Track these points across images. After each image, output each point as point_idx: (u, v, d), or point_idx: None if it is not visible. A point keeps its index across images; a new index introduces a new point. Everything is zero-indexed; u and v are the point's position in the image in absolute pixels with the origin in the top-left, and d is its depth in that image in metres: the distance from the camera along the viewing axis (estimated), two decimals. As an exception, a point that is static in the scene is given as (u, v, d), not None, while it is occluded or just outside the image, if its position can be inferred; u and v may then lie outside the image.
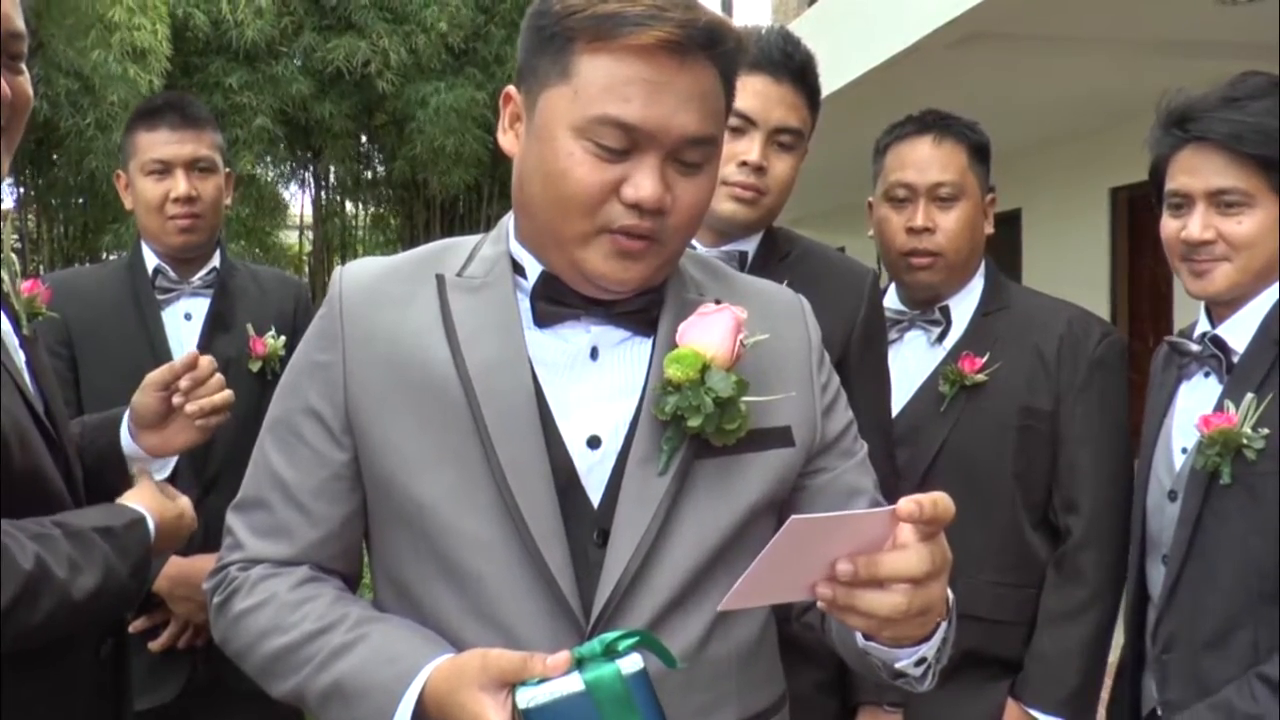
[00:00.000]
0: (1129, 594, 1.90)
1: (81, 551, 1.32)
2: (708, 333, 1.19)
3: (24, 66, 1.36)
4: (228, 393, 1.76)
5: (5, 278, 1.51)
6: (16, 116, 1.35)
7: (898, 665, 1.13)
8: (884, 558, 0.98)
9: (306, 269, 11.80)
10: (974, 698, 2.03)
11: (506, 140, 1.25)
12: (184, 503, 1.60)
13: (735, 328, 1.19)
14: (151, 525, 1.47)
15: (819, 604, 1.02)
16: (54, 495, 1.38)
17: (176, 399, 1.71)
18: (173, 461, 1.81)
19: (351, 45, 9.19)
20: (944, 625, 1.12)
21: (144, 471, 1.63)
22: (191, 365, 1.73)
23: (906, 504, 0.97)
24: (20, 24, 1.33)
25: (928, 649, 1.11)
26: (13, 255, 1.55)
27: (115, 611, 1.44)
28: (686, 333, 1.20)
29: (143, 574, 1.42)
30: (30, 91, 1.38)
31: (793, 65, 1.83)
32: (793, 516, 0.95)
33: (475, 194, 10.78)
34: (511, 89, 1.24)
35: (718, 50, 1.17)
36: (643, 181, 1.14)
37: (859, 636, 1.14)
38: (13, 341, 1.45)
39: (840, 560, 0.98)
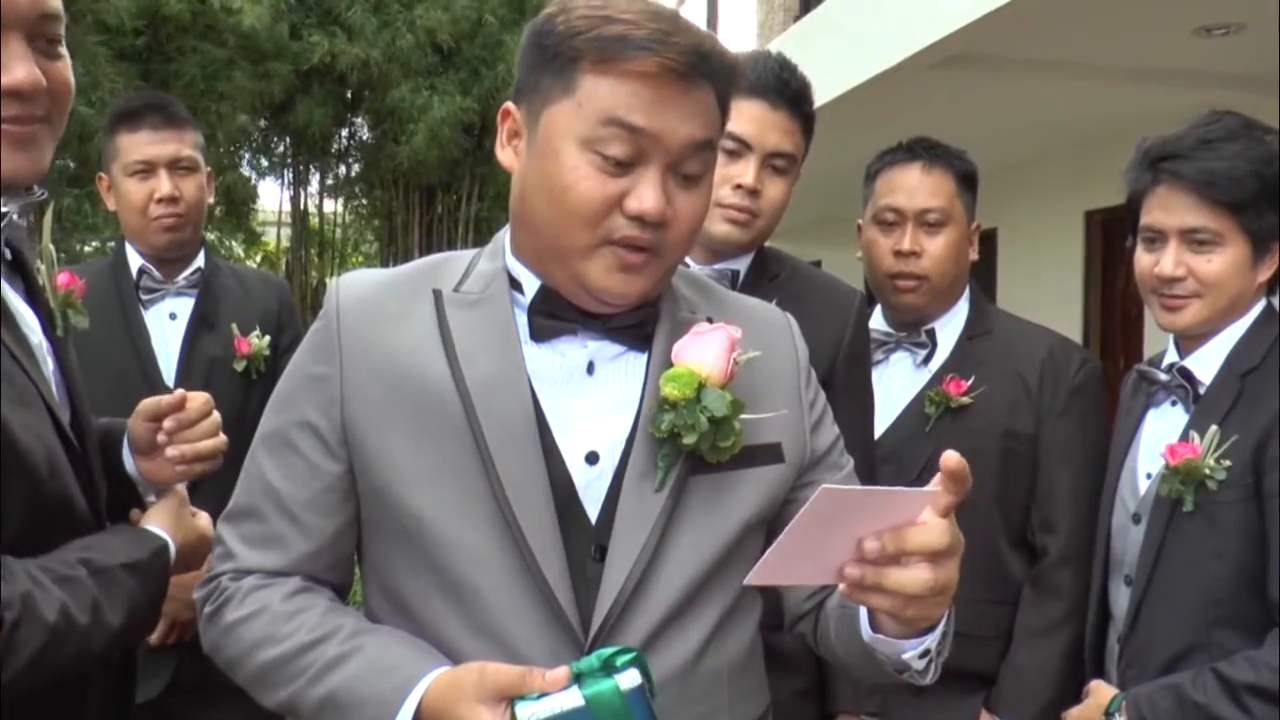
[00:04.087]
0: (1091, 613, 1.95)
1: (106, 593, 1.26)
2: (703, 352, 1.21)
3: (63, 51, 1.24)
4: (219, 440, 1.59)
5: (43, 270, 1.41)
6: (58, 106, 1.24)
7: (904, 657, 1.15)
8: (909, 532, 1.02)
9: (284, 267, 11.72)
10: (949, 709, 2.06)
11: (505, 156, 1.26)
12: (204, 522, 1.53)
13: (729, 347, 1.21)
14: (173, 550, 1.42)
15: (842, 588, 1.05)
16: (79, 518, 1.32)
17: (160, 438, 1.56)
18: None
19: (335, 47, 9.09)
20: (946, 616, 1.15)
21: (175, 490, 1.54)
22: (178, 406, 1.55)
23: (950, 455, 1.02)
24: (57, 2, 1.21)
25: (931, 640, 1.14)
26: (50, 247, 1.44)
27: (132, 643, 1.39)
28: (682, 352, 1.22)
29: (160, 601, 1.37)
30: (70, 77, 1.25)
31: (789, 92, 1.86)
32: (823, 486, 0.97)
33: (455, 195, 10.74)
34: (510, 105, 1.25)
35: (718, 78, 1.20)
36: (645, 193, 1.17)
37: (865, 629, 1.17)
38: (43, 347, 1.35)
39: (866, 539, 1.01)
